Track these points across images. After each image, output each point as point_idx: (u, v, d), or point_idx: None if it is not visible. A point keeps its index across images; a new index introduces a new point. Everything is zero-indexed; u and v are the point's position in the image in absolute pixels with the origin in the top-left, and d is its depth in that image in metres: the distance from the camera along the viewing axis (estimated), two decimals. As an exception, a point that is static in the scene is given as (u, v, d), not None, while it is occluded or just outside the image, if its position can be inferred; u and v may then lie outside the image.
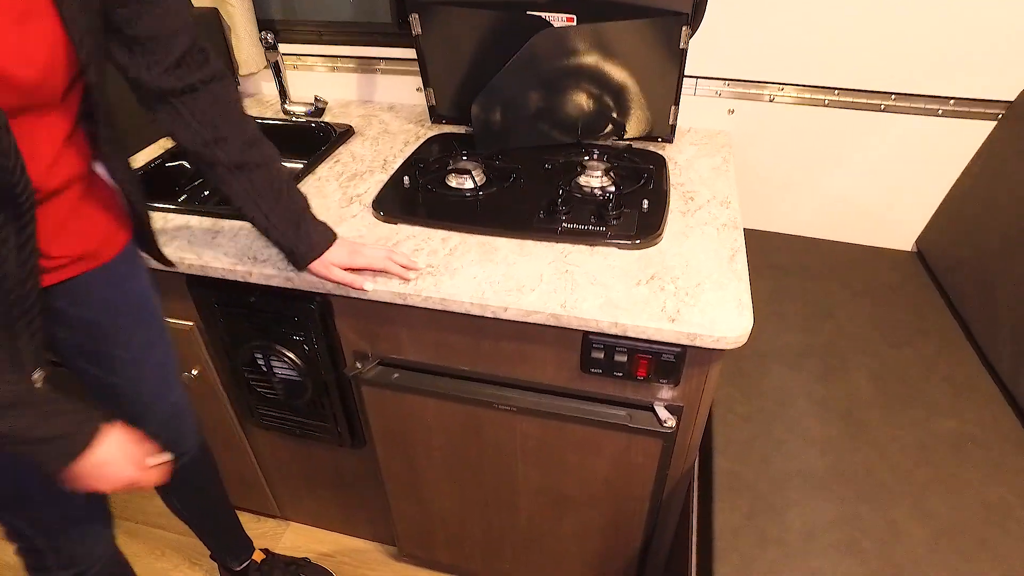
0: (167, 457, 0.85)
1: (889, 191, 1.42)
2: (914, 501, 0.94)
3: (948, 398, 1.09)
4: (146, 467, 0.81)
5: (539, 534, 1.25)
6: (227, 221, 1.12)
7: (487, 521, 1.27)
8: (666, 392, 1.00)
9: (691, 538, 1.02)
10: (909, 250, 1.47)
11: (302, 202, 0.95)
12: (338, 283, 0.96)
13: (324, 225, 0.96)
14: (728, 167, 1.28)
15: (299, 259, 0.95)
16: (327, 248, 0.95)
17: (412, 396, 1.08)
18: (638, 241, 1.02)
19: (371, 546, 1.53)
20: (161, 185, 1.33)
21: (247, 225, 1.06)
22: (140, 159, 1.34)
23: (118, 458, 0.76)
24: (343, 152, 1.35)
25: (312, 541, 1.54)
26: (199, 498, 1.22)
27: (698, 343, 0.89)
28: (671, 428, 0.99)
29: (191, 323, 1.17)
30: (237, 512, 1.50)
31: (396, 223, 1.09)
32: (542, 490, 1.16)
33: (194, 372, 1.24)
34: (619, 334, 0.91)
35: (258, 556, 1.41)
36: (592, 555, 1.25)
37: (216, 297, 1.09)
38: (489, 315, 0.94)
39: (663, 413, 1.00)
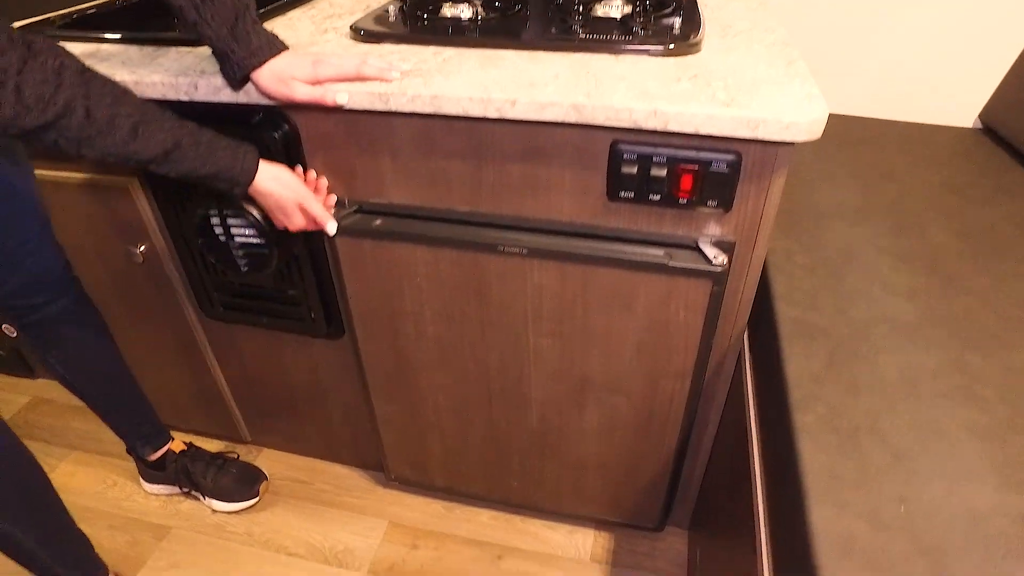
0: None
1: (949, 56, 1.24)
2: (1034, 345, 0.74)
3: (1051, 249, 0.90)
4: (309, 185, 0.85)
5: (554, 435, 1.04)
6: (173, 48, 0.92)
7: (491, 423, 1.06)
8: (713, 227, 0.81)
9: (748, 413, 0.82)
10: (971, 127, 1.28)
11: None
12: (304, 102, 0.77)
13: (271, 33, 0.77)
14: (765, 8, 1.09)
15: (235, 67, 0.75)
16: (271, 55, 0.75)
17: (398, 246, 0.88)
18: (671, 46, 0.83)
19: (355, 472, 1.32)
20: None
21: (196, 50, 0.88)
22: None
23: (283, 180, 0.81)
24: (320, 2, 1.16)
25: (287, 468, 1.33)
26: (82, 360, 1.05)
27: (761, 134, 0.69)
28: (722, 265, 0.79)
29: (132, 177, 0.97)
30: (201, 438, 1.30)
31: (379, 43, 0.90)
32: (559, 373, 0.95)
33: (140, 249, 1.04)
34: (659, 128, 0.71)
35: (177, 447, 1.24)
36: (618, 459, 1.05)
37: (159, 131, 0.89)
38: (493, 115, 0.74)
39: (711, 250, 0.80)
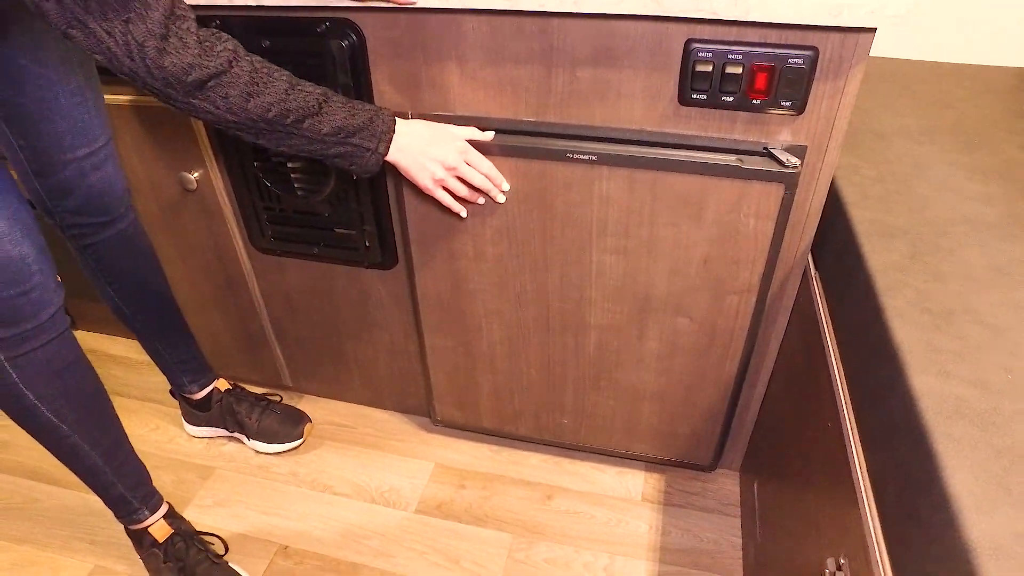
0: (488, 135, 0.85)
1: (1000, -3, 1.22)
2: (1123, 240, 0.72)
3: (1126, 163, 0.88)
4: (456, 143, 0.81)
5: (611, 364, 1.03)
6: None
7: (546, 352, 1.05)
8: (785, 133, 0.80)
9: (820, 316, 0.81)
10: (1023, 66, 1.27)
11: None
12: None
13: None
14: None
15: None
16: None
17: (462, 158, 0.87)
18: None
19: (399, 417, 1.31)
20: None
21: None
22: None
23: (426, 135, 0.79)
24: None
25: (329, 413, 1.32)
26: (135, 288, 1.05)
27: (845, 20, 0.68)
28: (795, 167, 0.78)
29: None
30: (242, 384, 1.29)
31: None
32: (621, 292, 0.94)
33: (195, 175, 1.04)
34: (739, 18, 0.70)
35: (222, 385, 1.23)
36: (675, 389, 1.03)
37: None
38: (569, 8, 0.73)
39: (783, 154, 0.79)
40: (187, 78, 0.62)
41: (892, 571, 0.53)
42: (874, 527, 0.58)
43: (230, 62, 0.64)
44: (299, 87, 0.70)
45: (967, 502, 0.46)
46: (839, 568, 0.62)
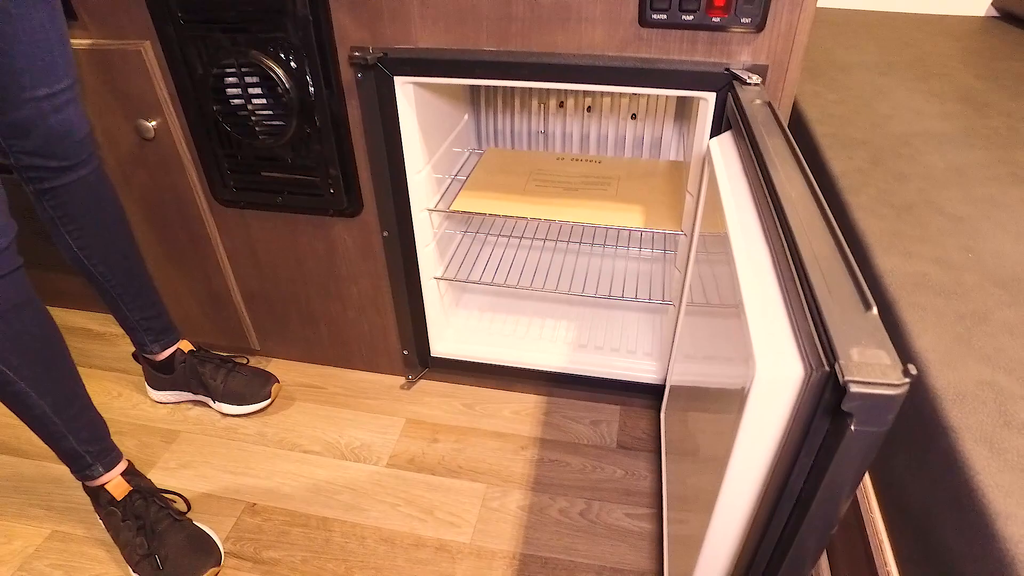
0: None
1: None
2: (1076, 145, 0.74)
3: (1077, 87, 0.90)
4: None
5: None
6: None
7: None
8: (746, 53, 0.80)
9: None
10: (983, 15, 1.30)
11: None
12: None
13: None
14: None
15: None
16: None
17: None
18: None
19: (369, 376, 1.29)
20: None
21: None
22: None
23: None
24: None
25: (299, 375, 1.29)
26: (99, 236, 1.00)
27: (801, -73, 0.69)
28: (756, 83, 0.78)
29: (145, 41, 0.94)
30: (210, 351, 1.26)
31: None
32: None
33: (152, 123, 1.01)
34: (697, -73, 0.70)
35: (186, 346, 1.19)
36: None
37: (175, -22, 0.87)
38: (527, -78, 0.73)
39: (744, 74, 0.79)
40: None
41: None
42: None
43: None
44: None
45: (932, 356, 0.46)
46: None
